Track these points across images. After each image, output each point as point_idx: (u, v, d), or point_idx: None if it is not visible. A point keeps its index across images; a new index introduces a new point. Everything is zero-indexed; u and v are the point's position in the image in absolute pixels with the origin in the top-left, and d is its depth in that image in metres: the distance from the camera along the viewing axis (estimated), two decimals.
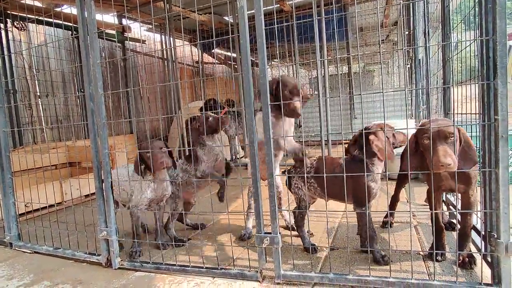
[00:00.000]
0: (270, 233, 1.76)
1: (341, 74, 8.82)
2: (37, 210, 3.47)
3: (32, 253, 2.51)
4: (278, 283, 1.76)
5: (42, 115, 5.44)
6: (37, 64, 5.35)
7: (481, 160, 1.62)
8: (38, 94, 5.50)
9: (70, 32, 5.43)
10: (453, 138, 1.60)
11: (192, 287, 1.82)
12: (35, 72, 5.30)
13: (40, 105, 5.45)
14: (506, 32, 1.37)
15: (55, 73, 5.48)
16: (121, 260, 2.14)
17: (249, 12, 1.69)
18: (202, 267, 1.94)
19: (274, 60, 10.38)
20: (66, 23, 5.15)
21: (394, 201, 2.41)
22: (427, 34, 3.44)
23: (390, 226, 2.38)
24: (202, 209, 2.97)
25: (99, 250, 2.20)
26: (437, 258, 1.84)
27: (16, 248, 2.59)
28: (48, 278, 2.08)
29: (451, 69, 2.26)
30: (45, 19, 4.18)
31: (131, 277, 2.01)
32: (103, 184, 2.12)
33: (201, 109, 5.38)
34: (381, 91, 1.61)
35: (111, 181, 2.13)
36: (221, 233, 2.61)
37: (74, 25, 5.02)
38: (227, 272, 1.88)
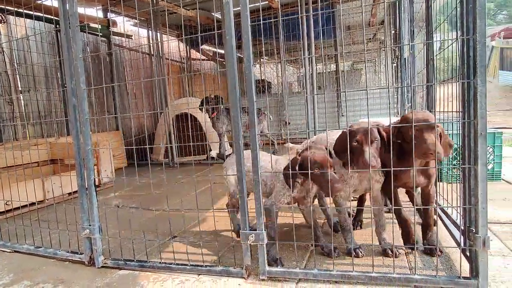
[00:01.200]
0: (255, 229, 1.76)
1: (328, 72, 8.89)
2: (18, 208, 3.38)
3: (12, 252, 2.44)
4: (263, 280, 1.76)
5: (24, 110, 5.29)
6: (18, 58, 5.18)
7: (461, 157, 1.66)
8: (20, 89, 5.34)
9: (52, 25, 5.28)
10: (438, 129, 1.67)
11: (177, 285, 1.81)
12: (16, 66, 5.14)
13: (22, 101, 5.30)
14: (485, 32, 1.41)
15: (37, 68, 5.32)
16: (105, 259, 2.11)
17: (236, 9, 1.67)
18: (187, 265, 1.92)
19: (262, 57, 10.39)
20: (47, 15, 5.00)
21: (361, 199, 2.47)
22: (412, 33, 3.50)
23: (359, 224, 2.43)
24: (188, 206, 2.96)
25: (82, 248, 2.16)
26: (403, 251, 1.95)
27: None
28: (29, 278, 2.03)
29: (434, 68, 2.30)
30: (26, 11, 4.04)
31: (115, 276, 1.98)
32: (86, 181, 2.08)
33: (201, 104, 5.32)
34: (366, 89, 1.63)
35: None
36: (208, 230, 2.60)
37: (56, 18, 4.88)
38: (212, 269, 1.87)
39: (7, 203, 3.39)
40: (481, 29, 1.40)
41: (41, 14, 4.49)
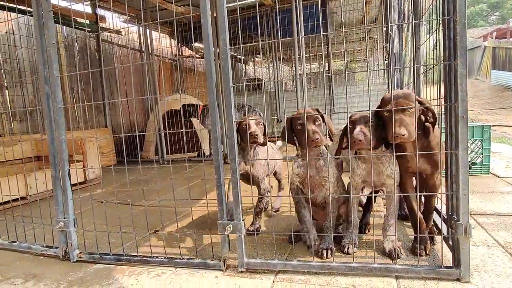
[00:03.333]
0: (232, 220, 1.70)
1: (322, 71, 8.86)
2: (0, 204, 3.29)
3: None
4: (242, 272, 1.70)
5: (9, 106, 5.18)
6: (3, 54, 5.08)
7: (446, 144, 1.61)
8: (6, 84, 5.24)
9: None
10: (411, 110, 1.53)
11: (152, 277, 1.74)
12: (0, 61, 5.03)
13: (7, 96, 5.19)
14: (465, 13, 1.36)
15: (23, 63, 5.22)
16: (80, 253, 2.03)
17: (229, 5, 1.61)
18: (164, 257, 1.86)
19: (257, 56, 10.34)
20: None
21: (370, 200, 2.36)
22: (400, 27, 3.47)
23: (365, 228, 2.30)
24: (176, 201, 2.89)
25: (57, 242, 2.08)
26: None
27: None
28: None
29: (421, 55, 2.26)
30: (9, 4, 3.96)
31: (89, 270, 1.91)
32: (60, 172, 2.00)
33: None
34: (359, 88, 1.58)
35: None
36: (191, 224, 2.54)
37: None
38: (190, 261, 1.81)
39: None
40: (460, 9, 1.35)
41: (25, 8, 4.41)
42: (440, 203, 1.83)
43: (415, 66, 1.99)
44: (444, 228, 1.69)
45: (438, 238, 1.84)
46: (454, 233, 1.47)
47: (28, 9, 4.92)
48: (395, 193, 1.74)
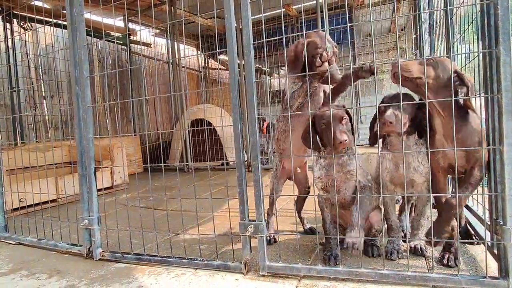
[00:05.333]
0: (254, 220, 1.64)
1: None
2: (31, 206, 3.42)
3: (17, 244, 2.43)
4: (263, 275, 1.62)
5: (46, 114, 5.48)
6: (43, 65, 5.42)
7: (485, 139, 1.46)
8: (44, 94, 5.57)
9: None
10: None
11: (172, 278, 1.70)
12: (41, 73, 5.37)
13: (45, 105, 5.50)
14: None
15: (60, 74, 5.53)
16: (103, 251, 2.04)
17: (254, 17, 1.61)
18: (184, 258, 1.82)
19: (282, 68, 10.38)
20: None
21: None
22: (431, 34, 3.34)
23: None
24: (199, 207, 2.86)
25: (81, 241, 2.10)
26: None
27: (1, 240, 2.52)
28: (27, 268, 1.99)
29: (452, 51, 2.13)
30: (47, 19, 4.23)
31: (111, 268, 1.90)
32: (87, 170, 2.04)
33: None
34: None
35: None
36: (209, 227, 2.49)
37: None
38: (210, 263, 1.75)
39: (21, 199, 3.44)
40: None
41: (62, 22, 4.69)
42: (476, 205, 1.67)
43: (451, 55, 1.84)
44: (487, 235, 1.53)
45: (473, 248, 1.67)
46: (500, 239, 1.31)
47: (64, 22, 5.26)
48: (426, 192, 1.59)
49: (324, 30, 1.83)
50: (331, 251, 1.69)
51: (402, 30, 8.33)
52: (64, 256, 2.15)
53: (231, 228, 2.01)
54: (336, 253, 1.67)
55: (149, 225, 2.60)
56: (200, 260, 1.78)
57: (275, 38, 1.72)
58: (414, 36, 6.61)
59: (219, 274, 1.70)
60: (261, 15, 5.24)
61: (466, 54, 2.02)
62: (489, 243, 1.45)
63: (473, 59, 1.69)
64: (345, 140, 1.56)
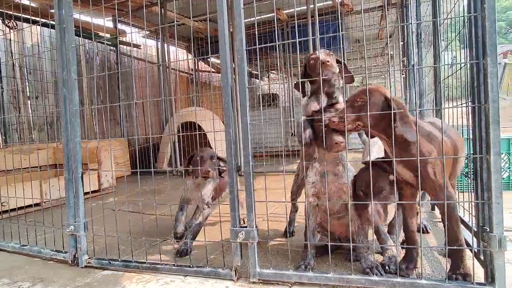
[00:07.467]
0: (245, 226, 1.63)
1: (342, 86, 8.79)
2: (14, 210, 3.31)
3: None
4: (254, 282, 1.61)
5: (30, 116, 5.33)
6: (28, 65, 5.28)
7: (472, 149, 1.51)
8: (28, 95, 5.42)
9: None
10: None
11: (161, 286, 1.67)
12: (26, 73, 5.23)
13: (29, 106, 5.36)
14: (495, 9, 1.29)
15: (46, 74, 5.40)
16: (89, 258, 1.99)
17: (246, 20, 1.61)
18: (173, 265, 1.79)
19: (272, 71, 10.41)
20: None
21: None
22: (419, 42, 3.41)
23: None
24: None
25: (67, 247, 2.04)
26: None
27: None
28: (9, 276, 1.92)
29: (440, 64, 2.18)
30: (43, 20, 4.13)
31: (97, 276, 1.85)
32: (73, 174, 1.99)
33: None
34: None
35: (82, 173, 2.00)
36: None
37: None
38: (200, 270, 1.73)
39: (3, 203, 3.33)
40: (489, 5, 1.28)
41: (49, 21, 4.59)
42: (463, 212, 1.71)
43: (439, 65, 1.89)
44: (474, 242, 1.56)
45: None
46: (487, 246, 1.34)
47: (52, 22, 5.14)
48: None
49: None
50: (304, 260, 1.69)
51: (390, 37, 8.48)
52: (48, 263, 2.09)
53: (221, 234, 1.99)
54: (309, 263, 1.68)
55: (137, 230, 2.55)
56: (189, 267, 1.75)
57: (270, 44, 1.73)
58: (402, 43, 6.76)
59: (209, 281, 1.68)
60: (253, 18, 5.24)
61: (452, 63, 2.06)
62: (476, 250, 1.48)
63: (459, 69, 1.73)
64: (341, 142, 1.55)
